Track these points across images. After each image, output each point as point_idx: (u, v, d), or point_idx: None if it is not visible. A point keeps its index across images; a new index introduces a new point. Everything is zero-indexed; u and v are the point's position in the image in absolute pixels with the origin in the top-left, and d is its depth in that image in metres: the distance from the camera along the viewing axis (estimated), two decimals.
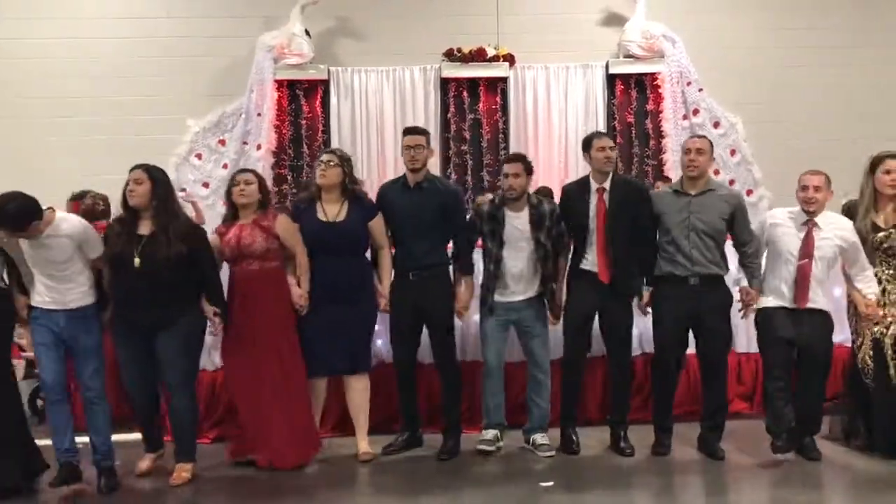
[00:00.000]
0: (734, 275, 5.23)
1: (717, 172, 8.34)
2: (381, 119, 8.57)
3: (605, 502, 4.53)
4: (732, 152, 8.50)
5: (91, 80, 8.57)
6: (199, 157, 8.40)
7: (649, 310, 5.21)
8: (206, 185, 8.25)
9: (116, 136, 8.38)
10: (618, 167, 8.39)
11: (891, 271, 5.09)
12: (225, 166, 8.12)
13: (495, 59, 8.50)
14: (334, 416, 5.56)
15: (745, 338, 5.90)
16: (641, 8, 8.50)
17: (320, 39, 8.65)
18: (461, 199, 5.56)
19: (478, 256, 5.36)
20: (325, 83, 8.56)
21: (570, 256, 5.31)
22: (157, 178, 4.75)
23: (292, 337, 5.05)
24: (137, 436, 5.13)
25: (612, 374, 5.36)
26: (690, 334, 5.18)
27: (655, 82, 8.48)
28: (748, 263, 5.08)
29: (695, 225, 5.00)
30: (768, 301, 5.04)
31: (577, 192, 5.26)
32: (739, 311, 5.15)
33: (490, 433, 5.27)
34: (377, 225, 5.19)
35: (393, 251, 5.29)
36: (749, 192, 8.35)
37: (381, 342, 5.60)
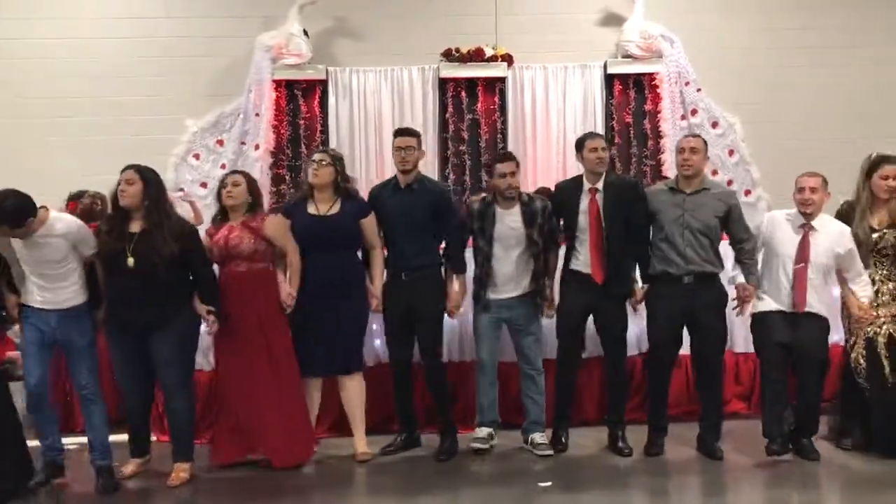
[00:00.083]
0: (730, 272, 5.24)
1: (714, 172, 8.33)
2: (380, 119, 8.55)
3: (602, 502, 4.55)
4: (731, 152, 8.49)
5: (90, 80, 8.55)
6: (197, 157, 8.37)
7: (640, 307, 5.23)
8: (204, 185, 8.22)
9: (115, 136, 8.36)
10: (616, 167, 8.46)
11: (884, 272, 5.11)
12: (223, 166, 8.09)
13: (493, 59, 8.48)
14: (331, 416, 5.57)
15: (742, 338, 5.90)
16: (640, 8, 8.48)
17: (318, 39, 8.63)
18: (452, 199, 5.59)
19: (471, 255, 5.38)
20: (324, 83, 8.54)
21: (560, 254, 5.33)
22: (148, 178, 4.75)
23: (284, 337, 5.06)
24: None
25: (608, 374, 5.37)
26: (685, 333, 5.19)
27: (654, 82, 8.46)
28: (745, 260, 5.09)
29: (689, 223, 5.01)
30: (764, 305, 5.05)
31: (569, 190, 5.29)
32: (734, 308, 5.16)
33: (484, 431, 5.29)
34: (369, 224, 5.21)
35: (385, 252, 5.30)
36: (747, 193, 8.34)
37: (378, 342, 5.60)
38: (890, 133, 8.01)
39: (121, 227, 4.71)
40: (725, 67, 8.67)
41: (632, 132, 8.55)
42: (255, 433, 5.00)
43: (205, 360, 5.55)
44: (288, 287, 5.03)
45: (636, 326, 5.53)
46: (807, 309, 4.96)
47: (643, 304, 5.23)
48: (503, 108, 8.56)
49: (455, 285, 5.29)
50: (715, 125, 8.47)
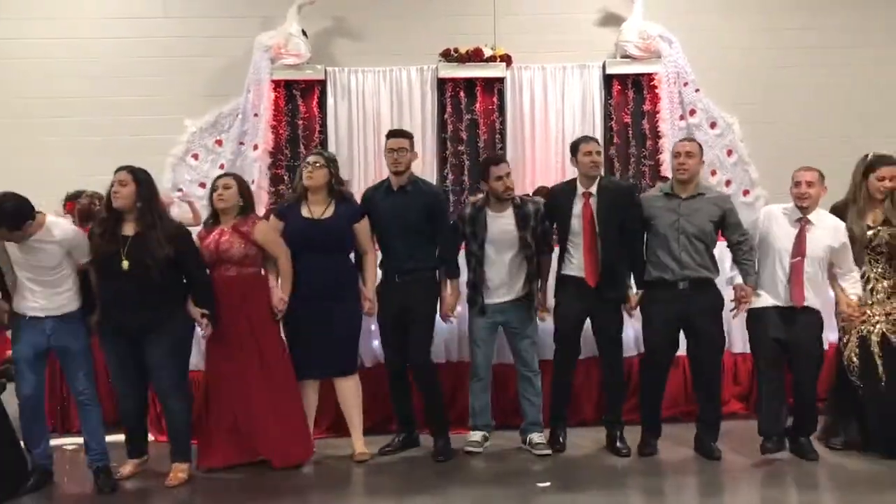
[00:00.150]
0: (728, 273, 5.24)
1: (713, 173, 8.36)
2: (378, 119, 8.56)
3: (600, 502, 4.54)
4: (729, 152, 8.50)
5: (89, 80, 8.56)
6: (195, 157, 8.39)
7: (635, 312, 5.23)
8: (202, 185, 8.21)
9: (113, 136, 8.37)
10: (614, 167, 8.48)
11: (879, 269, 5.12)
12: (222, 166, 8.11)
13: (492, 59, 8.50)
14: (329, 416, 5.56)
15: (741, 338, 5.89)
16: (638, 8, 8.49)
17: (317, 39, 8.65)
18: (445, 201, 5.58)
19: (463, 259, 5.37)
20: (322, 83, 8.55)
21: (554, 258, 5.33)
22: (141, 179, 4.72)
23: (275, 341, 5.04)
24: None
25: (605, 374, 5.37)
26: (682, 335, 5.19)
27: (652, 83, 8.48)
28: (742, 261, 5.08)
29: (685, 228, 5.01)
30: (759, 301, 5.05)
31: (563, 193, 5.29)
32: (732, 310, 5.15)
33: (478, 434, 5.29)
34: (362, 228, 5.19)
35: (379, 255, 5.29)
36: (745, 192, 8.36)
37: (376, 343, 5.59)
38: (890, 133, 8.03)
39: (114, 229, 4.69)
40: (724, 67, 8.69)
41: (630, 132, 8.57)
42: (253, 436, 4.99)
43: (201, 360, 5.53)
44: (280, 292, 5.01)
45: (633, 328, 5.53)
46: (803, 303, 4.96)
47: (638, 308, 5.23)
48: (502, 109, 8.58)
49: (448, 289, 5.28)
50: (713, 125, 8.49)
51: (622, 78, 8.55)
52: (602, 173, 5.29)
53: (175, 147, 8.38)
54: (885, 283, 5.11)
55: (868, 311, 5.06)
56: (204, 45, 8.65)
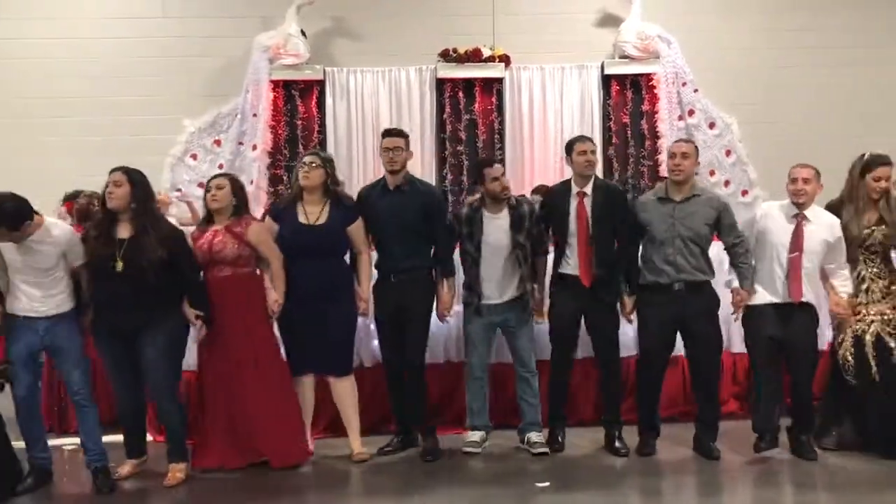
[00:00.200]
0: (726, 275, 5.24)
1: (712, 173, 8.35)
2: (377, 119, 8.55)
3: (599, 502, 4.55)
4: (728, 153, 8.49)
5: (88, 80, 8.56)
6: (194, 157, 8.37)
7: (633, 317, 5.23)
8: (201, 185, 8.20)
9: (113, 136, 8.36)
10: (613, 168, 8.48)
11: (874, 269, 5.13)
12: (220, 166, 8.09)
13: (491, 59, 8.49)
14: (327, 416, 5.55)
15: (739, 338, 5.89)
16: (637, 9, 8.48)
17: (316, 40, 8.64)
18: (443, 201, 5.58)
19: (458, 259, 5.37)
20: (321, 83, 8.54)
21: (549, 257, 5.33)
22: (136, 180, 4.72)
23: (270, 341, 5.05)
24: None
25: (602, 374, 5.37)
26: (678, 336, 5.19)
27: (651, 83, 8.47)
28: (739, 264, 5.08)
29: (680, 231, 5.01)
30: (756, 298, 5.05)
31: (558, 193, 5.30)
32: (732, 313, 5.16)
33: (476, 435, 5.29)
34: (356, 230, 5.18)
35: (375, 255, 5.28)
36: (744, 193, 8.35)
37: (375, 343, 5.59)
38: (890, 133, 8.02)
39: (108, 230, 4.69)
40: (723, 68, 8.68)
41: (629, 133, 8.56)
42: (253, 436, 4.99)
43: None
44: (275, 294, 5.00)
45: (630, 328, 5.52)
46: (801, 298, 4.96)
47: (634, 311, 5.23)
48: (500, 109, 8.57)
49: (445, 288, 5.28)
50: (712, 126, 8.47)
51: (621, 78, 8.54)
52: (597, 173, 5.29)
53: (174, 147, 8.37)
54: (881, 283, 5.11)
55: (863, 311, 5.07)
56: (203, 45, 8.65)
